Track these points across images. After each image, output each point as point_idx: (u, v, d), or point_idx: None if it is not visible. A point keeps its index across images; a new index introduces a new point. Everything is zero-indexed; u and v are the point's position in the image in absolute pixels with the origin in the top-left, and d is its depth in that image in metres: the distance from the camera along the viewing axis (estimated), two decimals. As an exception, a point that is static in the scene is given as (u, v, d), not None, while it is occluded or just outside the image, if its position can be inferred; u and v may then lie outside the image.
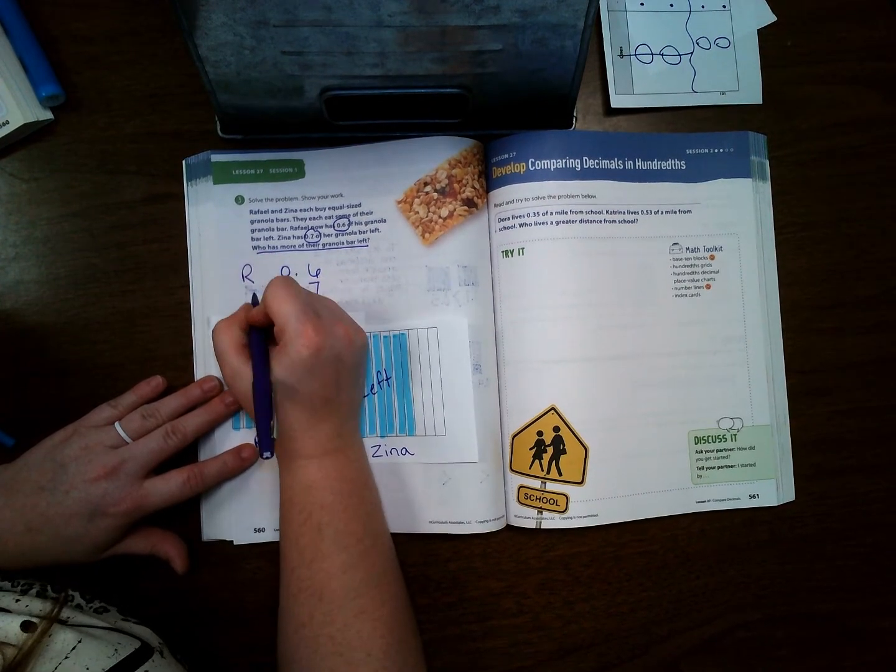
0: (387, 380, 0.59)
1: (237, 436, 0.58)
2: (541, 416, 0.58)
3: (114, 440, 0.53)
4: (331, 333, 0.51)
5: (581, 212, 0.59)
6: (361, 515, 0.53)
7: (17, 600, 0.46)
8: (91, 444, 0.52)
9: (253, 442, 0.58)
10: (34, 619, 0.43)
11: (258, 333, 0.54)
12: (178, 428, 0.54)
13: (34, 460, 0.52)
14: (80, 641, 0.43)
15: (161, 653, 0.47)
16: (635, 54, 0.64)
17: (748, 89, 0.64)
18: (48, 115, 0.61)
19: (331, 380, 0.52)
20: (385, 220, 0.60)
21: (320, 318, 0.51)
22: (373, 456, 0.58)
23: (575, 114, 0.63)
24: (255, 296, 0.57)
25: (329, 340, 0.51)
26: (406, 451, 0.58)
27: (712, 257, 0.61)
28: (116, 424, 0.53)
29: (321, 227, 0.60)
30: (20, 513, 0.50)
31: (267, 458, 0.51)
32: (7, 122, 0.59)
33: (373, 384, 0.59)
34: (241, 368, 0.53)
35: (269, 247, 0.60)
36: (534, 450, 0.58)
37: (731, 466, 0.60)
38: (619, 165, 0.61)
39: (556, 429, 0.58)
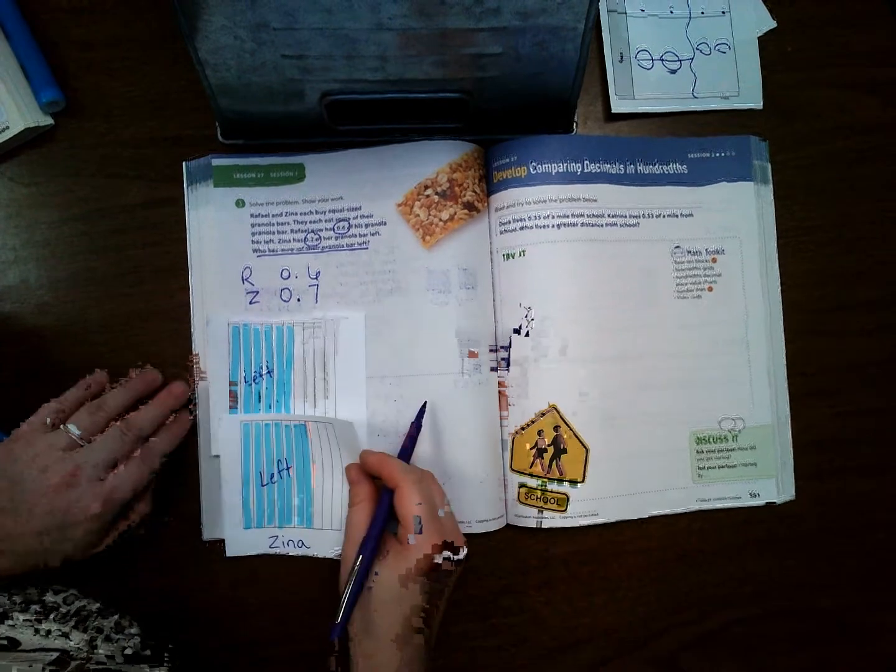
0: (287, 469, 0.58)
1: (231, 420, 0.58)
2: (541, 416, 0.58)
3: (65, 442, 0.51)
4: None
5: (582, 215, 0.59)
6: None
7: (37, 631, 0.47)
8: (41, 451, 0.50)
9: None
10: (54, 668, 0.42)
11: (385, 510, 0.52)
12: (132, 424, 0.53)
13: None
14: None
15: None
16: (636, 59, 0.64)
17: (749, 94, 0.64)
18: (48, 121, 0.61)
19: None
20: (385, 223, 0.60)
21: (443, 529, 0.50)
22: (269, 547, 0.58)
23: (575, 119, 0.63)
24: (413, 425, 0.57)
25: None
26: (302, 543, 0.58)
27: (714, 260, 0.61)
28: (67, 424, 0.52)
29: (321, 230, 0.60)
30: None
31: (332, 639, 0.49)
32: (7, 128, 0.59)
33: (273, 473, 0.58)
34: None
35: (269, 250, 0.60)
36: (534, 449, 0.58)
37: (732, 466, 0.60)
38: (620, 169, 0.61)
39: (557, 428, 0.58)
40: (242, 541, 0.58)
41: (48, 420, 0.52)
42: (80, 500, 0.49)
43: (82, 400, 0.54)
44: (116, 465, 0.52)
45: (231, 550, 0.58)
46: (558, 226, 0.59)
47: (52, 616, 0.49)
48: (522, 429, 0.58)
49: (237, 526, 0.58)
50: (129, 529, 0.53)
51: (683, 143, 0.62)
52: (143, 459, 0.52)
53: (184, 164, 0.61)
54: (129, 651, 0.49)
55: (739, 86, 0.64)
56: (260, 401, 0.59)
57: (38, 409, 0.53)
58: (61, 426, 0.52)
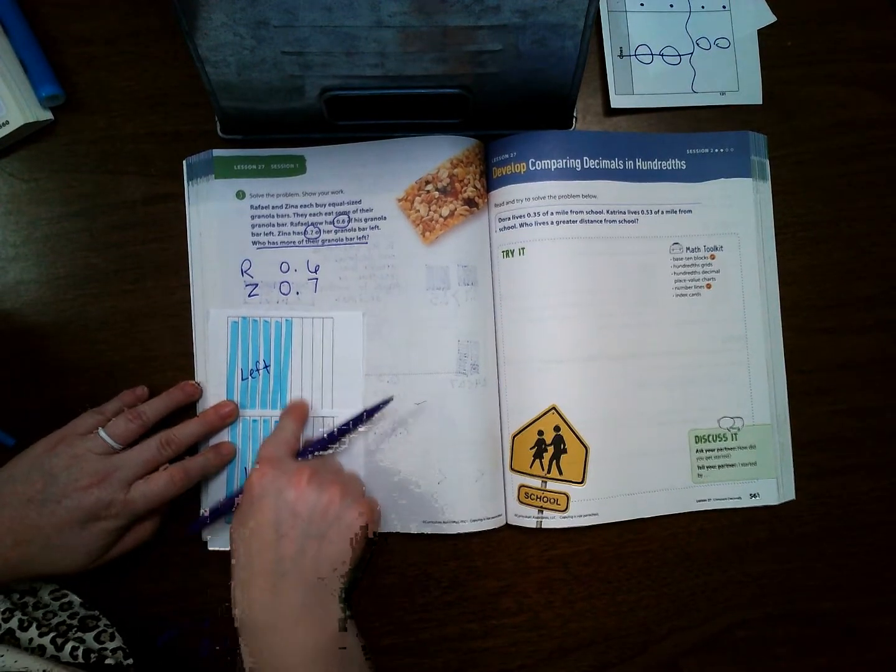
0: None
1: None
2: (542, 416, 0.58)
3: (101, 447, 0.52)
4: (282, 474, 0.51)
5: (581, 212, 0.59)
6: None
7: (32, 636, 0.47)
8: (79, 453, 0.51)
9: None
10: None
11: None
12: (172, 440, 0.54)
13: (20, 472, 0.51)
14: None
15: None
16: (635, 55, 0.64)
17: (748, 90, 0.64)
18: (48, 116, 0.61)
19: (267, 522, 0.49)
20: (385, 218, 0.60)
21: (280, 460, 0.52)
22: None
23: (575, 114, 0.63)
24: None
25: (275, 480, 0.50)
26: None
27: (713, 257, 0.61)
28: (101, 430, 0.53)
29: (321, 223, 0.60)
30: (8, 527, 0.49)
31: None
32: (7, 123, 0.59)
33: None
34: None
35: (268, 242, 0.60)
36: (534, 449, 0.58)
37: (732, 465, 0.60)
38: (619, 165, 0.61)
39: (557, 428, 0.58)
40: (224, 535, 0.57)
41: (87, 427, 0.54)
42: (105, 497, 0.51)
43: (121, 411, 0.56)
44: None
45: (213, 544, 0.58)
46: (557, 223, 0.59)
47: (32, 627, 0.50)
48: (522, 429, 0.59)
49: (220, 520, 0.57)
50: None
51: (682, 138, 0.62)
52: (171, 478, 0.53)
53: (184, 161, 0.61)
54: (109, 662, 0.50)
55: (739, 81, 0.64)
56: (256, 396, 0.59)
57: (79, 416, 0.54)
58: (98, 430, 0.53)
